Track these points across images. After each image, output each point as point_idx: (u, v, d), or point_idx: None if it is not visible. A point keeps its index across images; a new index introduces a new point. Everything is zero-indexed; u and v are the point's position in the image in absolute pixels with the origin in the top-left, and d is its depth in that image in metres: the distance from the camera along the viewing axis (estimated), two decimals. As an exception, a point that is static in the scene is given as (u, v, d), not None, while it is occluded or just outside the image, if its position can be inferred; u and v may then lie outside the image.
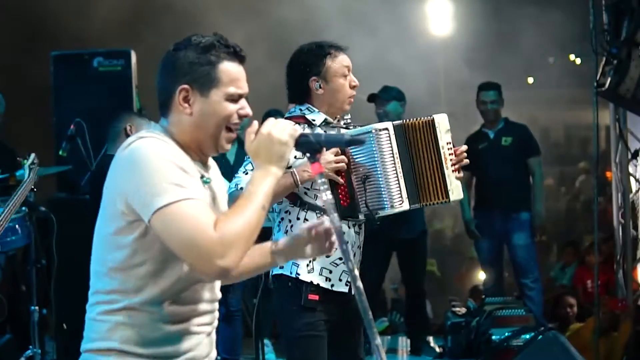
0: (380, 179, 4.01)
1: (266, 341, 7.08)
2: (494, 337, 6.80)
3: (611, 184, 7.39)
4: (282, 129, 2.70)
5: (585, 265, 9.30)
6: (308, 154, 2.73)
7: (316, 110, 4.18)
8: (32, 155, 5.01)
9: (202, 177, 2.76)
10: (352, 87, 4.21)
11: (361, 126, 4.17)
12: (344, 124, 4.26)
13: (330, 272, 4.13)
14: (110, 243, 2.71)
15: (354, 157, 4.05)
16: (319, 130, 4.12)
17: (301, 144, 2.72)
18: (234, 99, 2.75)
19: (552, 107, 16.52)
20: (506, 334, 6.76)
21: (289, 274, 4.13)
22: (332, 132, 4.15)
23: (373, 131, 4.01)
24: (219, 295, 2.90)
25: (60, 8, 9.33)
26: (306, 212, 4.12)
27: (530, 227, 7.92)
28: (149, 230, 2.61)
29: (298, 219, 4.14)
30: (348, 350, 4.37)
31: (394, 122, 4.14)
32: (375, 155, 4.01)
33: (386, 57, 10.23)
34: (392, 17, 10.59)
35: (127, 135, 5.29)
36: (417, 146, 4.12)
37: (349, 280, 4.11)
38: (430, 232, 9.67)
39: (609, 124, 7.33)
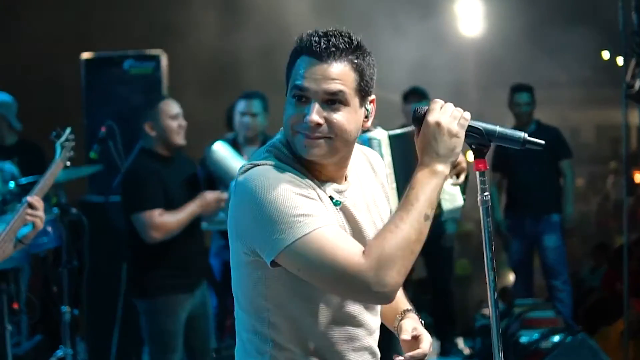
0: None
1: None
2: (522, 339, 6.77)
3: (640, 185, 7.37)
4: (452, 118, 2.40)
5: (615, 267, 9.22)
6: (473, 147, 2.50)
7: None
8: (67, 130, 4.79)
9: (331, 198, 2.47)
10: None
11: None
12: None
13: None
14: (243, 276, 2.48)
15: None
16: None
17: (468, 136, 2.46)
18: (294, 94, 2.42)
19: (583, 106, 16.43)
20: (535, 335, 6.74)
21: None
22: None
23: (369, 140, 3.94)
24: (377, 320, 2.65)
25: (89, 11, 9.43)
26: None
27: (561, 229, 7.91)
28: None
29: None
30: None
31: (389, 133, 4.06)
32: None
33: (416, 56, 10.23)
34: (422, 17, 10.58)
35: (150, 136, 5.43)
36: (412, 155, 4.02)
37: None
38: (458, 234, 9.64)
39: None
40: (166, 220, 5.21)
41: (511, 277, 8.96)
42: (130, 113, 6.77)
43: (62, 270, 5.74)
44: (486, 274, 2.50)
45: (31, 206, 4.13)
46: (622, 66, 6.40)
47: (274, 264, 2.33)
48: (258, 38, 9.89)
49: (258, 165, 2.39)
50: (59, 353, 5.66)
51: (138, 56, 7.20)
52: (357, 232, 2.49)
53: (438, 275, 7.77)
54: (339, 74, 2.38)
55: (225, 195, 5.43)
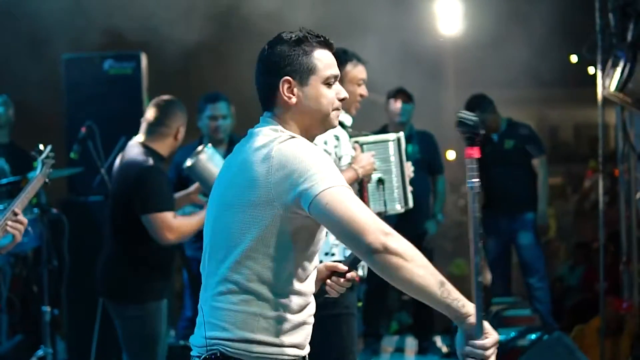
0: (394, 181, 4.71)
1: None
2: (499, 338, 6.82)
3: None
4: None
5: (594, 266, 9.31)
6: (467, 136, 2.71)
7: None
8: (48, 148, 4.76)
9: None
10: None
11: (375, 134, 5.01)
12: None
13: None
14: (250, 232, 2.77)
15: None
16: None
17: (461, 124, 2.70)
18: (329, 82, 2.93)
19: (562, 105, 16.50)
20: (512, 334, 6.80)
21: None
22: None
23: (392, 140, 4.77)
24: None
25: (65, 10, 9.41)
26: None
27: (535, 227, 7.92)
28: (300, 221, 2.75)
29: None
30: None
31: (397, 134, 4.84)
32: (392, 161, 4.72)
33: (395, 56, 10.27)
34: (400, 17, 10.61)
35: (176, 138, 5.23)
36: (400, 158, 4.79)
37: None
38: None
39: (618, 124, 7.36)
40: (182, 223, 5.11)
41: (488, 276, 9.01)
42: (110, 113, 6.80)
43: (42, 270, 5.75)
44: (471, 256, 2.75)
45: (15, 215, 3.99)
46: (593, 65, 6.49)
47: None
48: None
49: (295, 137, 2.82)
50: (40, 352, 5.67)
51: (118, 56, 7.21)
52: None
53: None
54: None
55: None
